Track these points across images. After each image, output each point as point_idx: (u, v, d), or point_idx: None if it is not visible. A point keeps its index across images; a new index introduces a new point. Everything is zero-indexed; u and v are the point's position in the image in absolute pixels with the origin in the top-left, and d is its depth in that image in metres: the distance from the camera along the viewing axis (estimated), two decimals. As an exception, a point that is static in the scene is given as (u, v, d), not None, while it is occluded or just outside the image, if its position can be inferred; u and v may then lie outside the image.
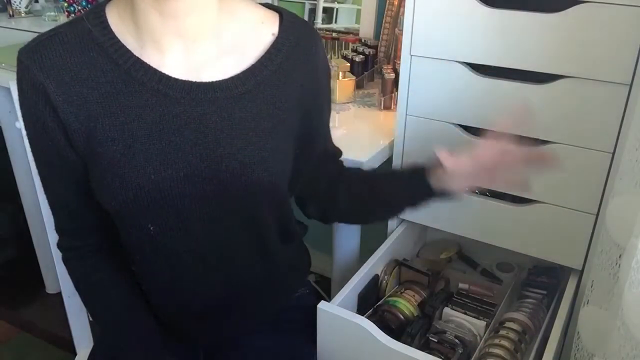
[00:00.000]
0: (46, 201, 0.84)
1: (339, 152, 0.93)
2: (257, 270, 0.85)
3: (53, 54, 0.69)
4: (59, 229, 0.84)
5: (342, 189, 0.91)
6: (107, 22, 0.70)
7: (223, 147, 0.72)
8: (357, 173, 0.94)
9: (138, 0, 0.68)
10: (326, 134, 0.89)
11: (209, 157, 0.72)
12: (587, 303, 0.84)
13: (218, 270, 0.81)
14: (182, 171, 0.72)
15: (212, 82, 0.72)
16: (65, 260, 0.86)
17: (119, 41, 0.70)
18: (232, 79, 0.73)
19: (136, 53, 0.70)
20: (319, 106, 0.83)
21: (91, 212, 0.79)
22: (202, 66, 0.72)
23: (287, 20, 0.78)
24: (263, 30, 0.76)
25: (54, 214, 0.83)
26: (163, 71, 0.70)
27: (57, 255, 0.97)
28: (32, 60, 0.69)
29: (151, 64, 0.70)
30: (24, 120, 0.74)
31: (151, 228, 0.74)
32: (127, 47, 0.70)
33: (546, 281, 1.04)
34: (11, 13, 2.02)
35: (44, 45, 0.70)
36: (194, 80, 0.71)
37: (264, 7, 0.79)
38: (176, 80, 0.71)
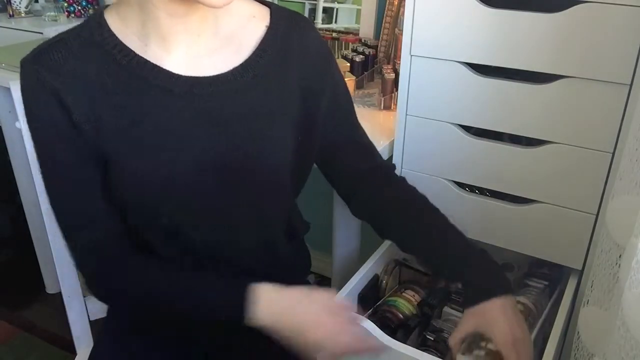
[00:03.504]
0: (44, 201, 0.83)
1: (370, 147, 0.92)
2: (261, 266, 0.85)
3: (58, 57, 0.71)
4: (75, 228, 0.78)
5: (388, 196, 0.89)
6: (108, 26, 0.72)
7: (228, 139, 0.75)
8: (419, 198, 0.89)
9: (146, 2, 0.69)
10: (335, 122, 0.87)
11: (216, 149, 0.74)
12: (587, 303, 0.84)
13: (225, 264, 0.82)
14: (191, 164, 0.74)
15: (213, 77, 0.74)
16: (98, 261, 0.78)
17: (120, 42, 0.72)
18: (231, 72, 0.75)
19: (139, 52, 0.72)
20: (317, 91, 0.83)
21: (108, 201, 0.77)
22: (203, 60, 0.74)
23: (277, 12, 0.81)
24: (256, 23, 0.79)
25: (67, 217, 0.78)
26: (166, 67, 0.72)
27: (57, 255, 0.97)
28: (40, 65, 0.70)
29: (154, 61, 0.72)
30: (34, 126, 0.74)
31: (164, 221, 0.76)
32: (129, 47, 0.72)
33: (548, 273, 1.04)
34: (11, 13, 2.02)
35: (49, 51, 0.71)
36: (195, 75, 0.73)
37: (255, 2, 0.81)
38: (179, 76, 0.73)
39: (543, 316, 0.93)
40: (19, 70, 0.73)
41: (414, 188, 0.90)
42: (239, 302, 0.73)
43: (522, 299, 0.96)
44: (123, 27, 0.72)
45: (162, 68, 0.72)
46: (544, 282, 1.04)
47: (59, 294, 1.01)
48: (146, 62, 0.72)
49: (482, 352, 0.80)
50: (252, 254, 0.84)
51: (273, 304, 0.74)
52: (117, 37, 0.72)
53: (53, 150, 0.75)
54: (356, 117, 0.91)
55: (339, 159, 0.89)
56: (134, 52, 0.72)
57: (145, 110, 0.72)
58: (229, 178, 0.76)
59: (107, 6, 0.75)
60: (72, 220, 0.79)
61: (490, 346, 0.80)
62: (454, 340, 0.79)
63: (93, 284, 0.80)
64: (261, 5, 0.81)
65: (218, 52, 0.76)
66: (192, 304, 0.77)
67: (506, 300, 0.77)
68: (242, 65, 0.76)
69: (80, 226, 0.78)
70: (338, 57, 1.47)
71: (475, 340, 0.84)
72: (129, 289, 0.78)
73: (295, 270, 0.96)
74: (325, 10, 1.64)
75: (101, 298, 0.81)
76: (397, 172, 1.09)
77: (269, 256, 0.86)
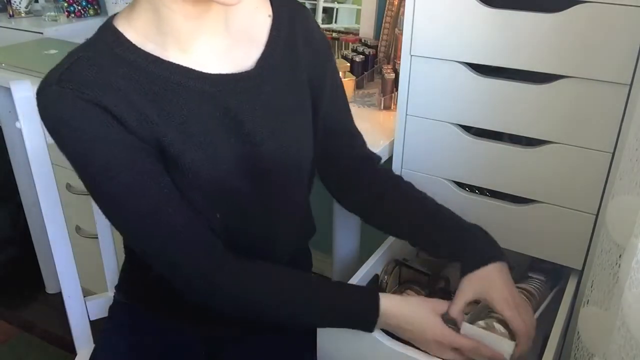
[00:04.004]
0: (44, 201, 0.82)
1: (360, 135, 0.95)
2: (271, 258, 0.85)
3: (88, 74, 0.67)
4: (194, 255, 0.74)
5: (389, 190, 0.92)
6: (125, 37, 0.71)
7: (260, 132, 0.77)
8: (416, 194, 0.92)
9: (160, 6, 0.69)
10: (334, 110, 0.90)
11: (250, 142, 0.76)
12: (587, 303, 0.84)
13: (252, 253, 0.82)
14: (232, 160, 0.76)
15: (237, 74, 0.76)
16: (228, 279, 0.76)
17: (144, 51, 0.71)
18: (251, 67, 0.77)
19: (162, 57, 0.72)
20: (321, 78, 0.86)
21: (198, 215, 0.76)
22: (223, 58, 0.76)
23: (277, 2, 0.82)
24: (259, 14, 0.80)
25: (178, 247, 0.73)
26: (194, 68, 0.73)
27: (57, 255, 0.97)
28: (75, 83, 0.66)
29: (181, 64, 0.72)
30: (92, 153, 0.67)
31: (218, 216, 0.78)
32: (152, 53, 0.71)
33: (550, 267, 1.04)
34: (11, 13, 2.02)
35: (75, 70, 0.68)
36: (221, 72, 0.75)
37: None
38: (209, 75, 0.74)
39: (544, 305, 0.93)
40: (19, 70, 0.71)
41: (400, 176, 0.94)
42: (371, 313, 0.78)
43: (524, 285, 0.96)
44: (137, 35, 0.71)
45: (191, 69, 0.72)
46: (545, 275, 1.04)
47: (59, 294, 1.01)
48: (174, 65, 0.72)
49: (491, 321, 0.80)
50: (278, 247, 0.87)
51: (388, 319, 0.78)
52: (136, 46, 0.71)
53: (135, 173, 0.69)
54: (348, 103, 0.94)
55: (334, 146, 0.91)
56: (159, 57, 0.71)
57: (187, 113, 0.72)
58: (257, 173, 0.78)
59: (113, 17, 0.74)
60: (180, 250, 0.74)
61: (498, 315, 0.80)
62: (455, 310, 0.80)
63: (226, 307, 0.79)
64: None
65: (234, 48, 0.77)
66: (326, 315, 0.80)
67: (503, 266, 0.81)
68: (259, 59, 0.78)
69: (189, 253, 0.74)
70: (338, 57, 1.47)
71: (482, 311, 0.84)
72: (263, 305, 0.78)
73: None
74: (325, 10, 1.64)
75: (231, 315, 0.80)
76: (397, 172, 1.09)
77: (285, 250, 0.89)
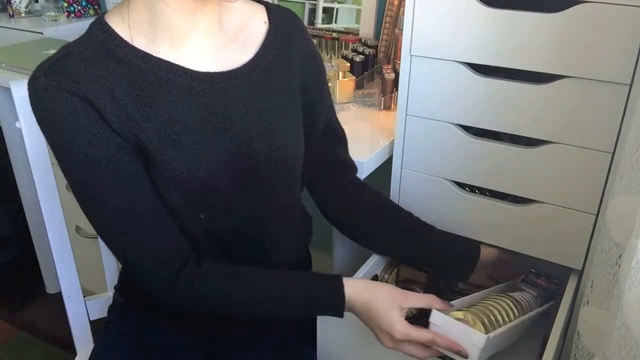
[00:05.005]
0: (44, 201, 0.82)
1: (344, 135, 0.97)
2: (272, 263, 0.86)
3: (77, 68, 0.68)
4: (156, 260, 0.75)
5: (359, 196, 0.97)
6: (116, 33, 0.71)
7: (250, 130, 0.77)
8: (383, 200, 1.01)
9: (157, 3, 0.69)
10: (328, 111, 0.93)
11: (239, 142, 0.76)
12: (587, 303, 0.84)
13: (250, 258, 0.83)
14: (218, 158, 0.75)
15: (227, 72, 0.76)
16: (186, 285, 0.76)
17: (134, 47, 0.71)
18: (243, 67, 0.77)
19: (152, 53, 0.72)
20: (317, 79, 0.88)
21: (170, 219, 0.76)
22: (214, 57, 0.76)
23: (273, 10, 0.84)
24: (256, 20, 0.82)
25: (142, 249, 0.74)
26: (184, 65, 0.73)
27: (57, 255, 0.97)
28: (62, 76, 0.67)
29: (170, 60, 0.72)
30: (71, 145, 0.68)
31: (202, 217, 0.78)
32: (142, 49, 0.71)
33: (544, 284, 1.03)
34: (11, 13, 2.03)
35: (64, 63, 0.68)
36: (211, 70, 0.75)
37: (251, 1, 0.84)
38: (198, 73, 0.74)
39: (527, 316, 0.93)
40: (19, 70, 0.72)
41: (370, 187, 0.99)
42: (339, 299, 0.80)
43: (513, 294, 0.96)
44: (129, 30, 0.72)
45: (180, 66, 0.73)
46: (537, 291, 1.03)
47: (59, 294, 1.01)
48: (163, 62, 0.72)
49: (469, 314, 0.81)
50: (272, 248, 0.86)
51: (352, 305, 0.80)
52: (126, 42, 0.71)
53: (110, 170, 0.70)
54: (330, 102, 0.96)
55: (330, 149, 0.94)
56: (148, 53, 0.71)
57: (173, 110, 0.72)
58: (254, 169, 0.78)
59: (104, 13, 0.74)
60: (151, 252, 0.75)
61: (476, 310, 0.85)
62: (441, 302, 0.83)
63: (195, 307, 0.80)
64: (257, 3, 0.83)
65: (226, 48, 0.77)
66: (296, 306, 0.81)
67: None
68: (251, 60, 0.78)
69: (160, 254, 0.75)
70: (338, 57, 1.48)
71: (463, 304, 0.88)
72: (231, 304, 0.79)
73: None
74: (325, 10, 1.64)
75: (203, 315, 0.82)
76: (397, 172, 1.10)
77: (280, 253, 0.88)
